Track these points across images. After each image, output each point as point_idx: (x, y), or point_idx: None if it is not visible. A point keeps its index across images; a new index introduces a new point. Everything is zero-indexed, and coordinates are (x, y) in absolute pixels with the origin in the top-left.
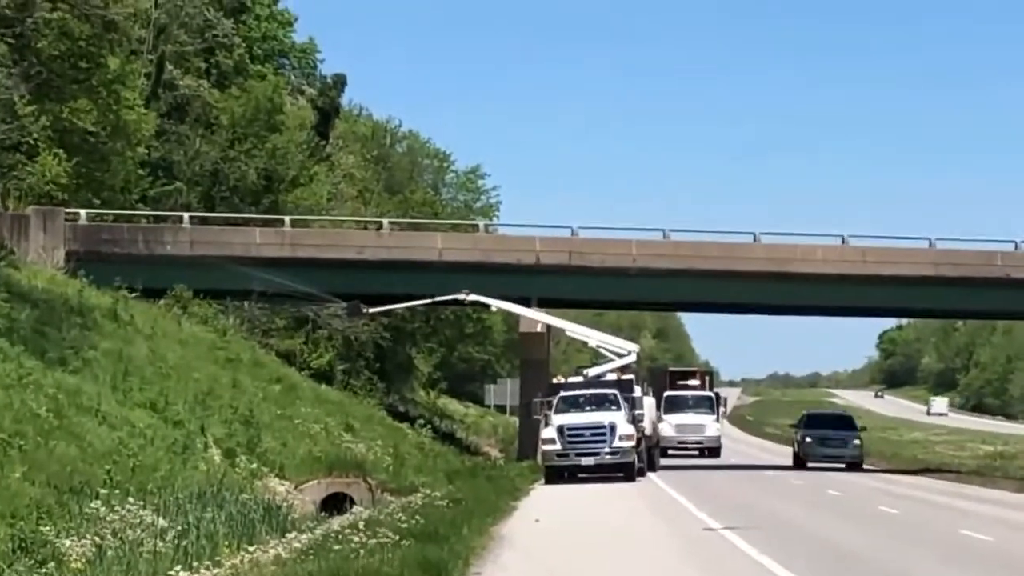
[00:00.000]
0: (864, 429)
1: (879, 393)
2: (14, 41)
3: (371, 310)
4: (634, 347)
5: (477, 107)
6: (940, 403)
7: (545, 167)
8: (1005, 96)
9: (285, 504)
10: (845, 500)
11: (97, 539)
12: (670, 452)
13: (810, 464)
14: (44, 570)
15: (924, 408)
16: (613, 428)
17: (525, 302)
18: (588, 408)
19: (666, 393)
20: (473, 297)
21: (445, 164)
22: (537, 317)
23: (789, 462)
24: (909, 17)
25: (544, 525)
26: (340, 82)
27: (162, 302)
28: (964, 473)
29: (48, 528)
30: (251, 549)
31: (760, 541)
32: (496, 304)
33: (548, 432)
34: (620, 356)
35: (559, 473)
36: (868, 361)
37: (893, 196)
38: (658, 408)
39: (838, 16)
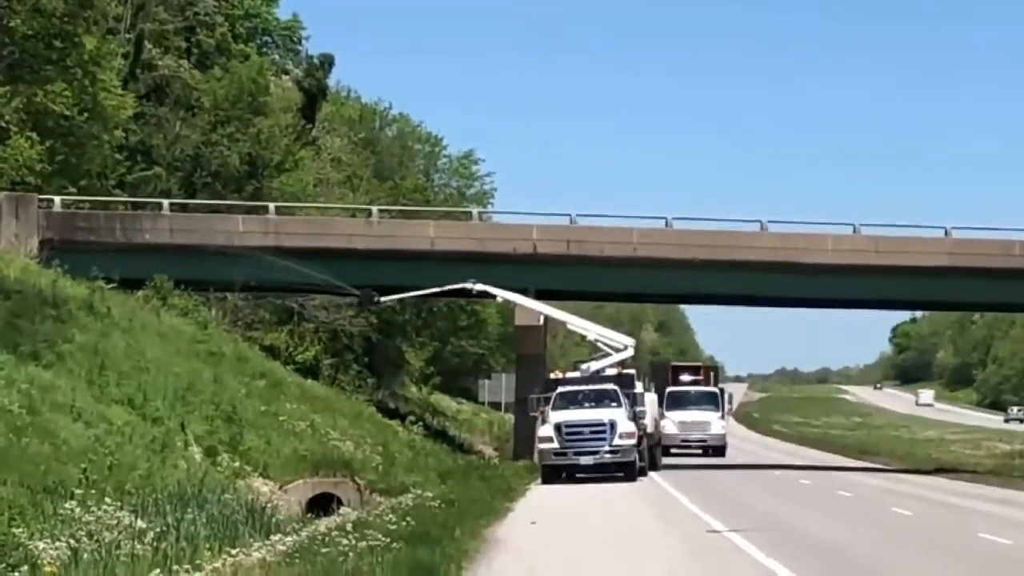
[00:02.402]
0: None
1: (878, 385)
2: None
3: (384, 299)
4: (630, 341)
5: (471, 89)
6: (927, 394)
7: (542, 152)
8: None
9: (269, 505)
10: (856, 501)
11: (72, 541)
12: (673, 451)
13: None
14: (17, 574)
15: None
16: (613, 426)
17: (522, 293)
18: (587, 405)
19: (668, 389)
20: (480, 287)
21: (437, 149)
22: (542, 309)
23: (797, 460)
24: (924, 5)
25: (541, 527)
26: (327, 62)
27: (140, 293)
28: (981, 473)
29: (21, 530)
30: (234, 552)
31: (767, 544)
32: (502, 295)
33: (545, 430)
34: (617, 350)
35: (557, 473)
36: (881, 356)
37: (907, 183)
38: (660, 405)
39: (849, 10)
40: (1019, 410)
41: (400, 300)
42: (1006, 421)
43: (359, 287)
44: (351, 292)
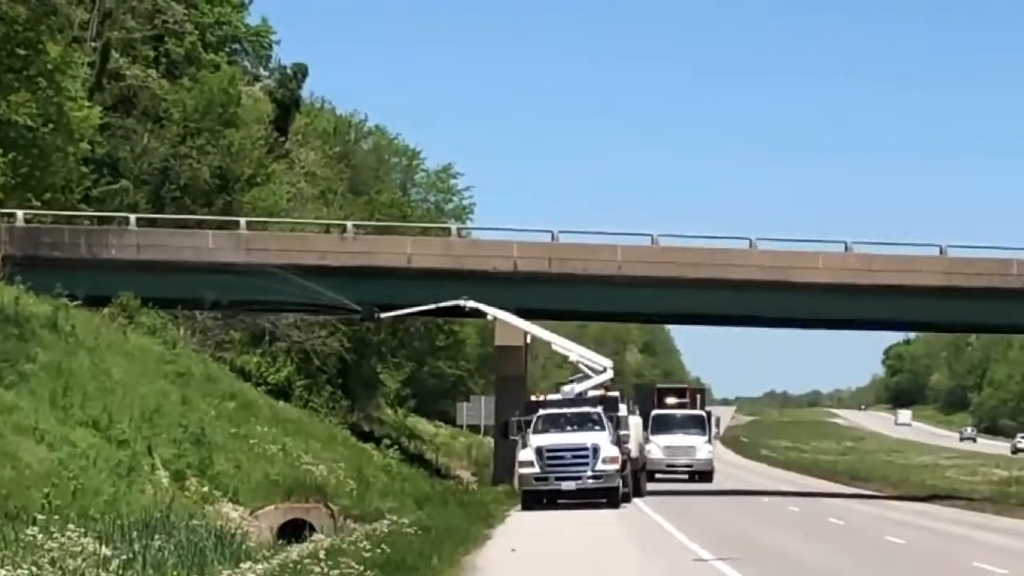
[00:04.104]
0: None
1: (863, 406)
2: None
3: (384, 315)
4: (608, 363)
5: (450, 101)
6: (905, 415)
7: (523, 166)
8: (1022, 96)
9: (239, 531)
10: (847, 529)
11: (35, 569)
12: (658, 476)
13: None
14: None
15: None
16: (596, 450)
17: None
18: (569, 428)
19: (654, 412)
20: (472, 304)
21: (415, 162)
22: (531, 329)
23: (786, 486)
24: (921, 15)
25: (521, 555)
26: (300, 73)
27: (106, 311)
28: (977, 500)
29: None
30: None
31: (755, 574)
32: (493, 312)
33: (526, 454)
34: (596, 372)
35: (537, 498)
36: (873, 378)
37: (901, 199)
38: (645, 428)
39: (845, 12)
40: (972, 429)
41: (399, 317)
42: (961, 440)
43: (325, 306)
44: (352, 308)
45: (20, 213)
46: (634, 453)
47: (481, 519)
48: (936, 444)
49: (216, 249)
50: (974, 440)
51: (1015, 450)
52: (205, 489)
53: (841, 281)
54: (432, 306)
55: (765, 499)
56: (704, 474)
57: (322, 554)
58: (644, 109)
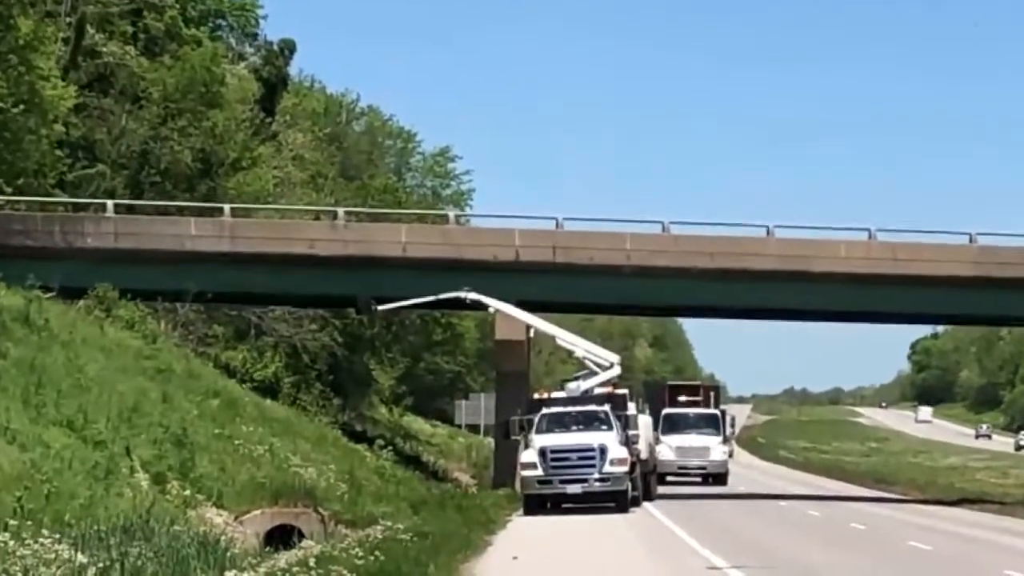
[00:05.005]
0: None
1: (884, 404)
2: None
3: (381, 307)
4: (615, 358)
5: (447, 80)
6: (925, 411)
7: (526, 149)
8: None
9: (223, 537)
10: (870, 535)
11: None
12: (669, 479)
13: None
14: None
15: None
16: (603, 451)
17: None
18: (575, 428)
19: (664, 411)
20: (474, 296)
21: (410, 145)
22: (536, 323)
23: (806, 490)
24: None
25: (523, 563)
26: (288, 49)
27: (82, 303)
28: (1008, 504)
29: None
30: None
31: None
32: (496, 305)
33: (528, 455)
34: (602, 368)
35: (540, 503)
36: (898, 375)
37: (928, 185)
38: (655, 428)
39: None
40: (988, 427)
41: (396, 309)
42: (977, 437)
43: (333, 296)
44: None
45: None
46: (644, 454)
47: (481, 524)
48: (961, 444)
49: (198, 237)
50: (989, 437)
51: (1018, 447)
52: (187, 492)
53: (864, 271)
54: (431, 298)
55: (783, 503)
56: (718, 476)
57: (312, 562)
58: (654, 90)
